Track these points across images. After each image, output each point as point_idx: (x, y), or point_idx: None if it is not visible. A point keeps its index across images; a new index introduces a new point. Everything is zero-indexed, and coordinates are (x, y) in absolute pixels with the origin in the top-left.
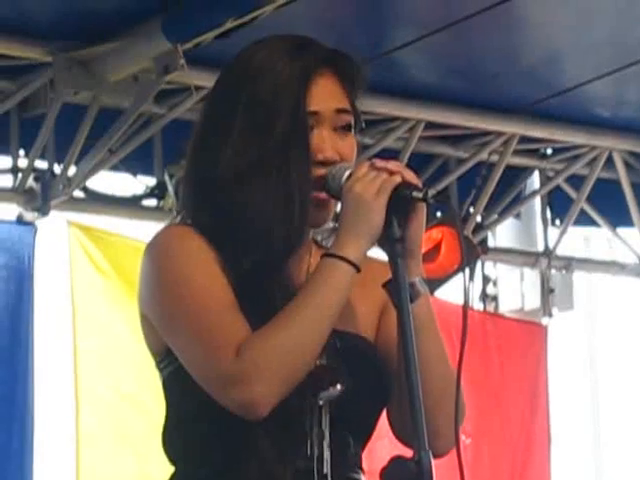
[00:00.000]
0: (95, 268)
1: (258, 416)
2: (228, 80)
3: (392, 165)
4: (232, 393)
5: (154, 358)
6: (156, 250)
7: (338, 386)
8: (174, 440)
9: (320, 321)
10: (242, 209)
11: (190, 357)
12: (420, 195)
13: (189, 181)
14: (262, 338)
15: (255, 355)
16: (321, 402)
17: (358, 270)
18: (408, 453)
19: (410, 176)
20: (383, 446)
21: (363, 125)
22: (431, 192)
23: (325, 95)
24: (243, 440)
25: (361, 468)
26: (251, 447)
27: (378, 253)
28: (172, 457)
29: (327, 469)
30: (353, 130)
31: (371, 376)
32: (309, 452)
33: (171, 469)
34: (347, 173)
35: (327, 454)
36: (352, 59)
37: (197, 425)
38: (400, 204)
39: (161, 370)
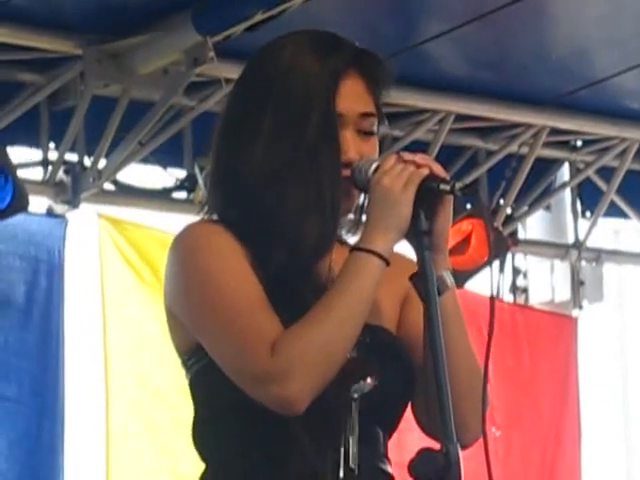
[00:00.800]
0: (125, 261)
1: (296, 412)
2: (256, 75)
3: (419, 158)
4: (269, 391)
5: (180, 355)
6: (184, 246)
7: (369, 379)
8: (206, 437)
9: (353, 316)
10: (274, 207)
11: (224, 355)
12: (447, 188)
13: (218, 178)
14: (297, 335)
15: (291, 352)
16: (355, 395)
17: (388, 264)
18: (437, 446)
19: (437, 168)
20: (413, 439)
21: (385, 121)
22: (459, 185)
23: (352, 97)
24: (279, 435)
25: (388, 459)
26: (289, 442)
27: (405, 246)
28: (204, 454)
29: (354, 463)
30: (376, 129)
31: (398, 370)
32: (342, 446)
33: (202, 465)
34: (374, 166)
35: (355, 448)
36: (378, 59)
37: (230, 421)
38: (427, 197)
39: (189, 367)
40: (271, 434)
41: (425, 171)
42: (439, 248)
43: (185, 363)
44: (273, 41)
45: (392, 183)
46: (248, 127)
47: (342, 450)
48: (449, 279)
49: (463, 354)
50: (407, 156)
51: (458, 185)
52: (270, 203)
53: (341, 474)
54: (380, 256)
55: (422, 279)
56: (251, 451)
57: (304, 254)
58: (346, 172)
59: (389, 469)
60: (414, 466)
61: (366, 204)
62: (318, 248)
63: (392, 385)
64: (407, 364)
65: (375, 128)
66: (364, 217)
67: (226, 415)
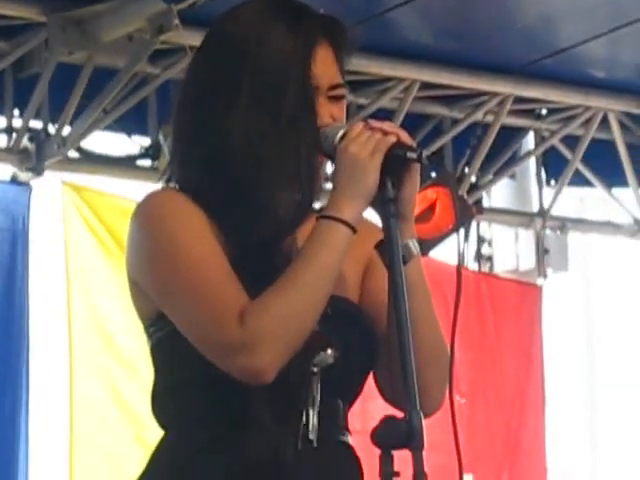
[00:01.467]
0: (89, 228)
1: (264, 382)
2: (225, 43)
3: (387, 125)
4: (238, 361)
5: (143, 323)
6: (147, 214)
7: (329, 351)
8: (166, 405)
9: (321, 284)
10: (252, 176)
11: (190, 325)
12: (414, 156)
13: (187, 146)
14: (264, 304)
15: (259, 322)
16: (315, 369)
17: (355, 231)
18: (400, 414)
19: (405, 137)
20: (376, 407)
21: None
22: (425, 153)
23: (324, 66)
24: (240, 407)
25: (348, 430)
26: (249, 414)
27: (370, 213)
28: (164, 422)
29: (313, 436)
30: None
31: (361, 340)
32: (303, 419)
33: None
34: (341, 133)
35: (315, 421)
36: (345, 27)
37: (192, 391)
38: (394, 165)
39: (150, 335)
40: (232, 406)
41: (392, 139)
42: (405, 216)
43: (147, 330)
44: (236, 8)
45: (359, 150)
46: (222, 96)
47: (301, 423)
48: (415, 247)
49: (428, 323)
50: (375, 124)
51: (425, 153)
52: (248, 172)
53: (299, 447)
54: (347, 224)
55: (388, 247)
56: (212, 422)
57: (284, 224)
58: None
59: (349, 440)
60: (377, 434)
61: (333, 171)
62: (296, 218)
63: (354, 356)
64: (369, 334)
65: (343, 94)
66: (329, 184)
67: (188, 384)
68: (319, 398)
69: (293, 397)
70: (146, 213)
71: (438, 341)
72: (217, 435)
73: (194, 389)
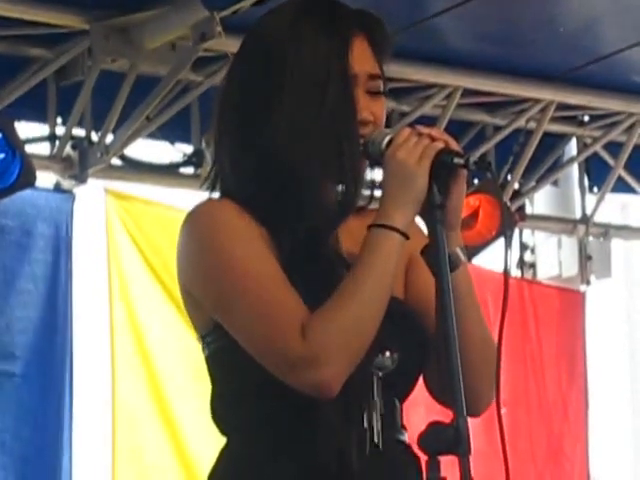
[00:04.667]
0: (131, 237)
1: (330, 396)
2: (262, 47)
3: (435, 131)
4: (303, 376)
5: (198, 332)
6: (200, 224)
7: (387, 354)
8: (227, 413)
9: (378, 294)
10: (299, 177)
11: (251, 339)
12: (462, 161)
13: (235, 152)
14: (326, 317)
15: (323, 336)
16: (379, 373)
17: (407, 238)
18: (446, 420)
19: (452, 143)
20: (419, 413)
21: (387, 89)
22: (473, 159)
23: (361, 59)
24: (305, 414)
25: (404, 427)
26: (314, 421)
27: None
28: (225, 429)
29: (378, 438)
30: (384, 90)
31: (414, 340)
32: (366, 422)
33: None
34: (387, 139)
35: (379, 424)
36: (380, 21)
37: (255, 398)
38: (441, 170)
39: (207, 344)
40: (297, 412)
41: (440, 144)
42: (452, 224)
43: (203, 339)
44: (269, 12)
45: (407, 156)
46: (263, 99)
47: (367, 427)
48: (462, 255)
49: (477, 326)
50: (422, 129)
51: (472, 159)
52: (295, 171)
53: (367, 451)
54: (399, 231)
55: (434, 254)
56: (277, 429)
57: (327, 218)
58: (362, 132)
59: (406, 439)
60: (424, 439)
61: (381, 177)
62: (340, 215)
63: (409, 356)
64: (421, 333)
65: (382, 89)
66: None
67: (250, 391)
68: (380, 401)
69: (356, 401)
70: (198, 223)
71: (487, 344)
72: (282, 441)
73: (258, 396)
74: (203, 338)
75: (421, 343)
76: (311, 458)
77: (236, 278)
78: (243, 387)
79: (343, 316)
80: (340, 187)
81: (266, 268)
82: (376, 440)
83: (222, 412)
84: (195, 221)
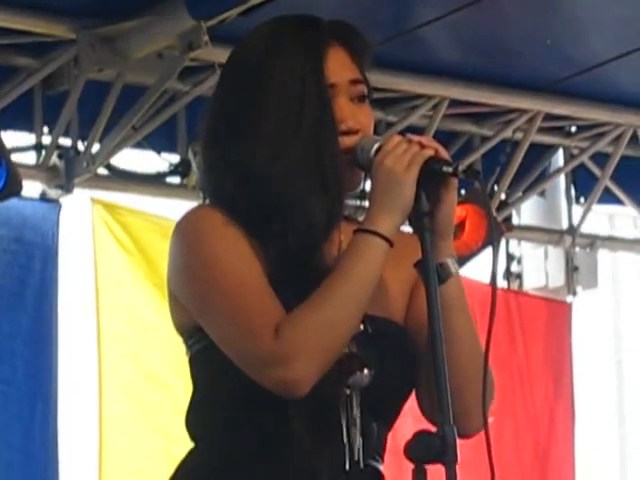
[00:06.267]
0: (119, 245)
1: (299, 395)
2: (242, 64)
3: (425, 139)
4: (273, 373)
5: (182, 336)
6: (187, 230)
7: (365, 371)
8: (199, 417)
9: (356, 297)
10: (283, 191)
11: (226, 337)
12: (450, 170)
13: (219, 164)
14: (300, 317)
15: (295, 334)
16: (348, 390)
17: (391, 245)
18: (433, 429)
19: (442, 151)
20: (407, 424)
21: (372, 94)
22: (461, 167)
23: (338, 67)
24: (275, 424)
25: (381, 455)
26: (284, 431)
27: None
28: (195, 434)
29: (359, 456)
30: (367, 100)
31: (400, 361)
32: (343, 439)
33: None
34: (376, 146)
35: (359, 441)
36: (357, 29)
37: (226, 403)
38: (429, 178)
39: (189, 347)
40: (265, 420)
41: (429, 152)
42: (443, 234)
43: (186, 343)
44: (252, 30)
45: (395, 163)
46: (247, 113)
47: (346, 444)
48: (453, 266)
49: (466, 340)
50: (413, 137)
51: (461, 167)
52: (278, 186)
53: (347, 467)
54: (383, 237)
55: (422, 261)
56: (242, 435)
57: (316, 231)
58: (345, 141)
59: (380, 467)
60: (410, 448)
61: (369, 184)
62: (326, 226)
63: (391, 377)
64: (409, 356)
65: (366, 94)
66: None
67: (222, 397)
68: (359, 419)
69: (328, 418)
70: (186, 229)
71: (479, 359)
72: (248, 450)
73: (228, 402)
74: (186, 342)
75: (407, 367)
76: (277, 472)
77: (214, 277)
78: (217, 391)
79: (316, 316)
80: (325, 197)
81: (246, 270)
82: (357, 458)
83: (193, 416)
84: (183, 227)
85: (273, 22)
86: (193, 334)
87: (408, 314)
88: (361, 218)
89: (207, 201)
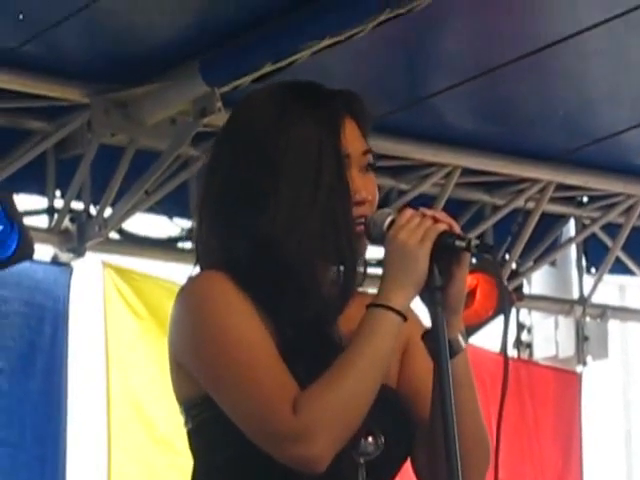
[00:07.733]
0: (130, 310)
1: (318, 471)
2: (252, 136)
3: (438, 213)
4: (294, 449)
5: (182, 405)
6: (192, 298)
7: (369, 439)
8: None
9: (372, 373)
10: (295, 261)
11: (241, 413)
12: (463, 244)
13: (228, 230)
14: (318, 394)
15: (313, 412)
16: (361, 460)
17: (405, 319)
18: None
19: (455, 226)
20: None
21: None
22: (475, 242)
23: (352, 138)
24: None
25: None
26: None
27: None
28: None
29: None
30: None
31: (399, 427)
32: None
33: None
34: (389, 219)
35: None
36: (363, 101)
37: (235, 473)
38: (443, 253)
39: (192, 417)
40: None
41: (442, 226)
42: (454, 309)
43: (188, 412)
44: (248, 98)
45: (408, 237)
46: (262, 179)
47: None
48: (463, 341)
49: (471, 415)
50: (426, 211)
51: (474, 242)
52: (291, 255)
53: None
54: (397, 312)
55: (434, 336)
56: None
57: (327, 307)
58: (357, 211)
59: None
60: None
61: (383, 258)
62: (341, 299)
63: (392, 443)
64: (407, 421)
65: (373, 162)
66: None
67: (230, 467)
68: None
69: None
70: (192, 296)
71: (480, 431)
72: None
73: (237, 472)
74: (188, 411)
75: (407, 430)
76: None
77: (226, 348)
78: (224, 461)
79: (335, 393)
80: (339, 269)
81: (257, 341)
82: None
83: None
84: (189, 293)
85: (283, 87)
86: (198, 404)
87: (401, 378)
88: (369, 288)
89: (201, 265)
